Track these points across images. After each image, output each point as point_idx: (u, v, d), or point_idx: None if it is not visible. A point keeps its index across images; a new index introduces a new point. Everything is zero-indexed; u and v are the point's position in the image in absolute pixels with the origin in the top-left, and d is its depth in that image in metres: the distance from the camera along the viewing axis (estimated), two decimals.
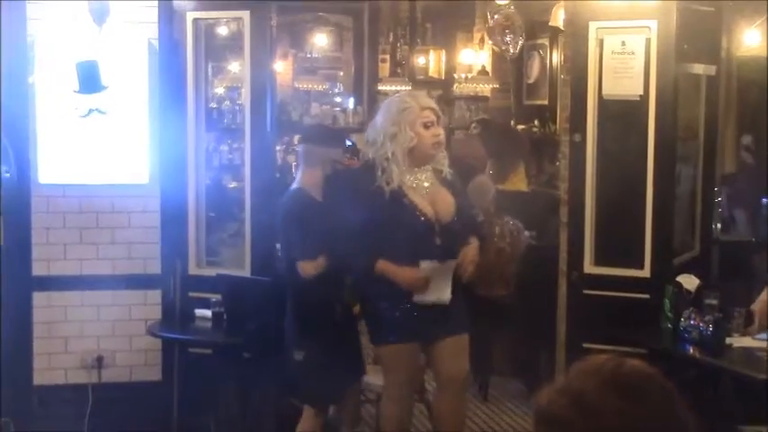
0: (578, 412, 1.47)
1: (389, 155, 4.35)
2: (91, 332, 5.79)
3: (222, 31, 6.98)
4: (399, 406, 4.60)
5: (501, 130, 8.73)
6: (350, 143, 10.74)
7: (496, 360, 6.84)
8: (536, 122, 9.57)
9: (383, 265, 4.38)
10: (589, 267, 5.45)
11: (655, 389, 1.51)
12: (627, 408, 1.47)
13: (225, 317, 5.36)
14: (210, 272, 5.65)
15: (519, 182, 7.43)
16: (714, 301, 4.91)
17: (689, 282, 5.10)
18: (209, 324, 5.43)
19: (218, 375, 5.38)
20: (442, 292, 4.40)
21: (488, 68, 10.18)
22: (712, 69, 6.16)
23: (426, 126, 4.39)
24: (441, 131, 4.46)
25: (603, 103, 5.43)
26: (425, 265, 4.36)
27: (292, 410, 5.13)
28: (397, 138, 4.35)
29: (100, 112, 5.62)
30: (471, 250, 4.52)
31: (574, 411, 1.47)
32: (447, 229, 4.44)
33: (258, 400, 5.47)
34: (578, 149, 5.48)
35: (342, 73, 11.48)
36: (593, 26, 5.41)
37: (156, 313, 5.79)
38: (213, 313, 5.41)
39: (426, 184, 4.46)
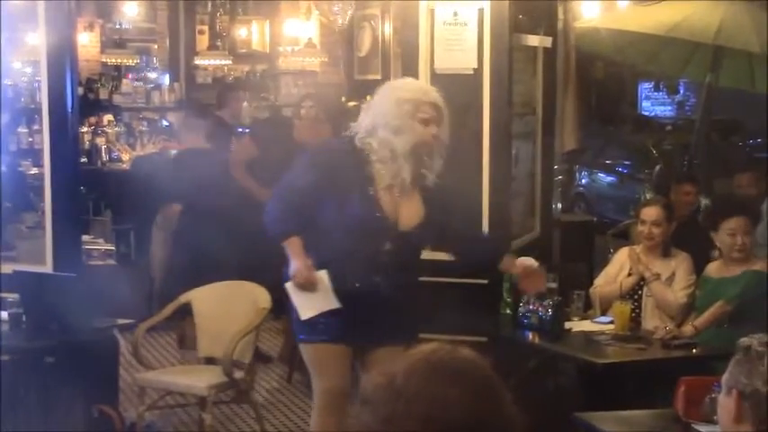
0: (389, 394, 1.55)
1: (397, 150, 4.15)
2: None
3: None
4: (331, 418, 4.34)
5: (333, 108, 8.76)
6: (167, 123, 10.58)
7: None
8: (369, 98, 9.63)
9: (292, 243, 4.20)
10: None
11: (473, 374, 1.57)
12: (439, 391, 1.54)
13: (24, 318, 5.18)
14: (6, 268, 5.45)
15: None
16: (554, 285, 5.08)
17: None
18: (5, 327, 5.24)
19: (18, 384, 5.20)
20: (321, 305, 4.27)
21: (316, 41, 10.18)
22: (548, 41, 6.34)
23: (424, 122, 4.16)
24: (436, 130, 4.18)
25: (436, 77, 5.51)
26: (322, 274, 4.22)
27: (102, 421, 5.02)
28: (404, 133, 4.14)
29: None
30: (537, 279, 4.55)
31: (385, 393, 1.55)
32: (402, 238, 4.26)
33: (63, 411, 5.31)
34: None
35: (156, 46, 11.28)
36: None
37: None
38: (10, 314, 5.22)
39: (401, 190, 4.24)
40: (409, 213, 4.27)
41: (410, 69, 5.56)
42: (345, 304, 4.24)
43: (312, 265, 4.20)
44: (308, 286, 4.22)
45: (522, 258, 4.48)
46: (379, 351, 4.24)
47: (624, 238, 7.17)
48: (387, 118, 4.16)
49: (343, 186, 4.21)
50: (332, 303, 4.23)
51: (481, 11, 5.43)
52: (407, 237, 4.28)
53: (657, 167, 11.56)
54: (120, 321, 5.55)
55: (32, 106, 6.39)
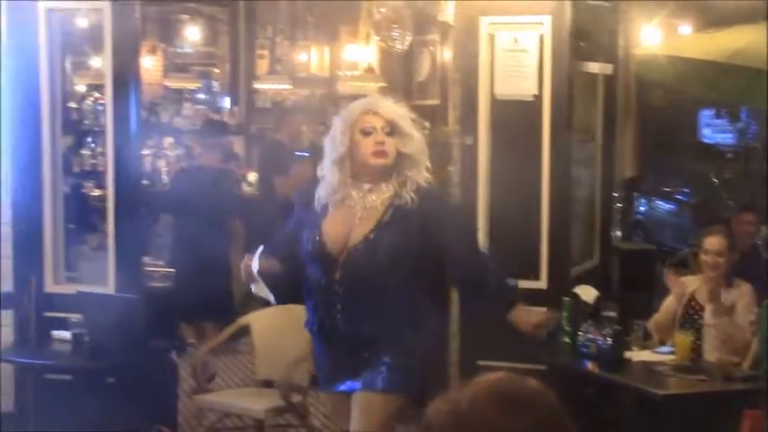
0: (454, 420, 1.55)
1: (328, 161, 3.92)
2: None
3: (81, 22, 6.85)
4: None
5: None
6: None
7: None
8: (427, 124, 9.65)
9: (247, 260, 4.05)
10: None
11: (538, 404, 1.57)
12: (503, 420, 1.54)
13: (86, 339, 5.24)
14: (70, 289, 5.52)
15: None
16: (613, 314, 5.03)
17: (587, 293, 5.21)
18: (68, 347, 5.30)
19: (79, 404, 5.25)
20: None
21: (375, 66, 10.23)
22: (609, 68, 6.32)
23: (365, 133, 3.85)
24: (384, 140, 3.84)
25: (496, 104, 5.52)
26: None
27: None
28: (336, 144, 3.89)
29: None
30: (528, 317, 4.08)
31: (450, 419, 1.56)
32: (350, 263, 3.88)
33: (123, 431, 5.36)
34: (470, 153, 5.55)
35: (216, 70, 11.41)
36: (484, 21, 5.50)
37: (7, 336, 5.63)
38: (73, 335, 5.29)
39: (368, 206, 3.91)
40: (361, 232, 3.89)
41: (469, 95, 5.56)
42: (323, 347, 4.03)
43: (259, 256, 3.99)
44: (246, 276, 4.04)
45: (532, 313, 4.15)
46: (355, 396, 3.93)
47: (683, 266, 7.09)
48: (329, 138, 3.96)
49: (303, 219, 4.04)
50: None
51: (542, 37, 5.43)
52: (354, 261, 3.85)
53: (695, 199, 11.39)
54: (179, 343, 5.60)
55: (96, 128, 6.47)
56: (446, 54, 9.36)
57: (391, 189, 3.91)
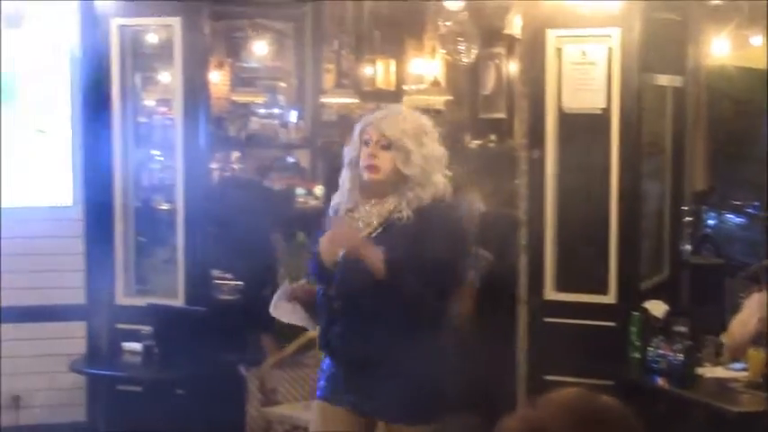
0: None
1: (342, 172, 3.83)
2: (7, 369, 5.70)
3: (152, 38, 6.94)
4: None
5: (454, 145, 8.78)
6: (292, 160, 10.75)
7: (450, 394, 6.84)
8: (493, 137, 9.63)
9: None
10: (550, 293, 5.48)
11: (615, 422, 1.54)
12: None
13: (156, 350, 5.31)
14: (140, 301, 5.60)
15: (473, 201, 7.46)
16: (684, 329, 4.96)
17: (657, 308, 5.15)
18: (138, 359, 5.37)
19: (149, 415, 5.32)
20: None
21: (441, 79, 10.23)
22: (679, 80, 6.25)
23: (365, 143, 3.70)
24: (377, 154, 3.65)
25: (564, 117, 5.48)
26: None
27: None
28: (347, 150, 3.79)
29: (17, 127, 5.55)
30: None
31: None
32: (340, 278, 3.70)
33: None
34: (537, 166, 5.52)
35: (283, 84, 11.48)
36: (551, 34, 5.47)
37: (79, 347, 5.72)
38: (143, 347, 5.36)
39: (368, 220, 3.74)
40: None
41: (536, 108, 5.54)
42: (330, 364, 3.82)
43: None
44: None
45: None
46: (374, 425, 3.74)
47: (755, 281, 6.96)
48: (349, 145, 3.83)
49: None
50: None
51: (610, 50, 5.39)
52: (341, 275, 3.66)
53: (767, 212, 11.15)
54: (248, 356, 5.64)
55: (164, 143, 6.56)
56: (512, 67, 9.33)
57: (392, 204, 3.71)
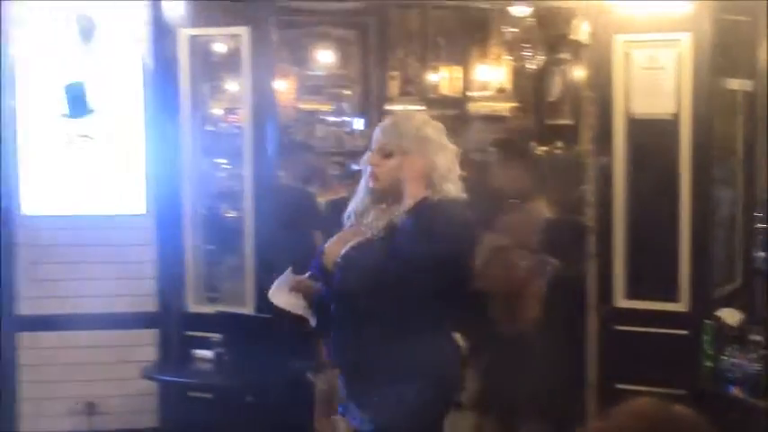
0: None
1: None
2: (81, 376, 5.79)
3: (219, 48, 7.01)
4: None
5: (519, 151, 8.74)
6: (356, 168, 10.80)
7: (521, 403, 6.80)
8: (559, 143, 9.57)
9: None
10: (620, 301, 5.43)
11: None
12: None
13: (226, 358, 5.35)
14: (210, 309, 5.64)
15: (540, 208, 7.41)
16: (759, 338, 4.88)
17: (731, 316, 5.07)
18: (209, 366, 5.42)
19: (219, 421, 5.36)
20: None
21: (506, 86, 10.20)
22: (749, 84, 6.15)
23: (372, 150, 3.66)
24: (378, 162, 3.59)
25: (632, 123, 5.43)
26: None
27: None
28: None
29: (89, 137, 5.64)
30: None
31: None
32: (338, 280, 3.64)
33: None
34: (605, 172, 5.48)
35: (348, 92, 11.54)
36: (618, 39, 5.42)
37: (151, 354, 5.78)
38: (214, 354, 5.40)
39: (373, 225, 3.65)
40: (345, 247, 3.64)
41: (604, 114, 5.49)
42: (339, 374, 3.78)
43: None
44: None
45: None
46: None
47: None
48: None
49: None
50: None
51: (680, 54, 5.33)
52: (338, 277, 3.59)
53: None
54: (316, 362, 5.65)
55: (231, 151, 6.60)
56: (578, 73, 9.27)
57: (398, 208, 3.60)
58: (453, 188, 3.62)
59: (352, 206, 3.74)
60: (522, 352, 6.36)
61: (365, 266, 3.50)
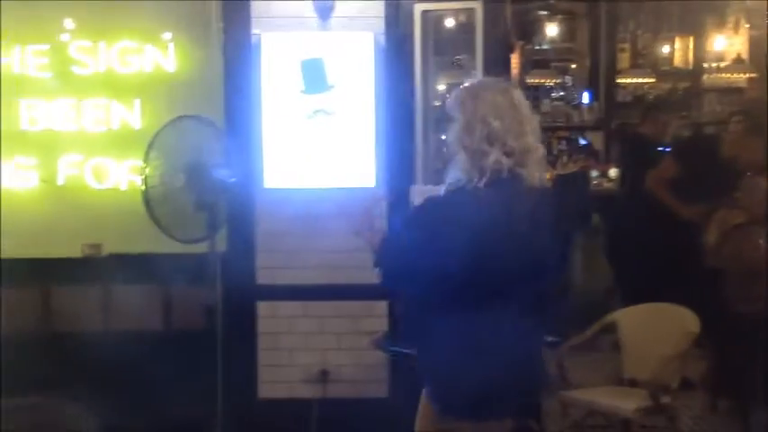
0: None
1: None
2: (315, 345, 5.96)
3: (449, 23, 7.06)
4: None
5: (759, 124, 8.39)
6: (584, 142, 10.64)
7: (756, 385, 6.57)
8: None
9: None
10: None
11: None
12: None
13: None
14: None
15: None
16: None
17: None
18: None
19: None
20: None
21: (744, 56, 9.80)
22: None
23: None
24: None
25: None
26: None
27: None
28: None
29: (326, 113, 5.79)
30: None
31: None
32: None
33: None
34: None
35: (575, 65, 11.39)
36: None
37: (382, 325, 5.89)
38: None
39: None
40: None
41: None
42: None
43: None
44: None
45: None
46: None
47: None
48: None
49: None
50: None
51: None
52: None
53: None
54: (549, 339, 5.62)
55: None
56: None
57: None
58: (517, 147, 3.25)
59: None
60: (759, 332, 6.14)
61: None
